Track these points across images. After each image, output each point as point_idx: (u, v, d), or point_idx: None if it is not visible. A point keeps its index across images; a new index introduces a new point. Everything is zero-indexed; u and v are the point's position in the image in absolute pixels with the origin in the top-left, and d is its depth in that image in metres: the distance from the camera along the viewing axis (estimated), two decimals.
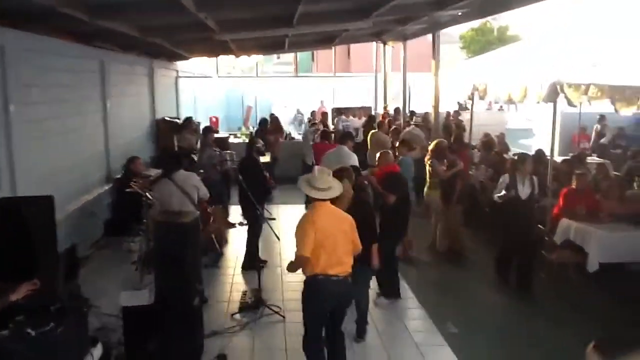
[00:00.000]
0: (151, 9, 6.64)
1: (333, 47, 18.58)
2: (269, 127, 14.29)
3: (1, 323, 3.58)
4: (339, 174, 5.41)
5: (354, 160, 8.19)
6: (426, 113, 15.26)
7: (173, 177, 6.76)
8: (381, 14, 8.52)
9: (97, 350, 3.91)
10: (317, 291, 4.78)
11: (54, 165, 7.76)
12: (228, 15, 7.85)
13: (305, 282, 4.87)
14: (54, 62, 7.79)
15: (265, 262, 8.16)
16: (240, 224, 9.99)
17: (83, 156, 8.95)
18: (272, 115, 16.52)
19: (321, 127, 14.54)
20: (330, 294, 4.78)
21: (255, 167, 8.40)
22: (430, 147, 9.54)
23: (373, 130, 12.57)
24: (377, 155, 7.72)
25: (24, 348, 3.43)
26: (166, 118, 13.92)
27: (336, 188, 4.91)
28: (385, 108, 17.06)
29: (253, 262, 7.83)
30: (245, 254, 8.33)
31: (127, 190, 7.92)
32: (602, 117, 15.62)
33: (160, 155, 12.58)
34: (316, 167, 5.24)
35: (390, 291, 7.13)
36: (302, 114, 21.61)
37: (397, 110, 16.10)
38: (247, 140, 14.86)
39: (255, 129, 15.73)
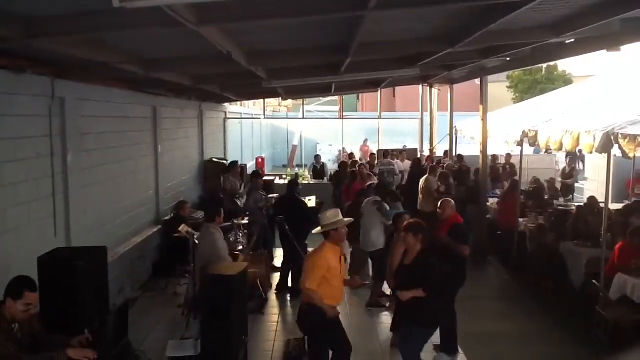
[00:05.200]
0: (203, 61, 6.85)
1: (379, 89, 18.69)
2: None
3: None
4: (412, 227, 5.62)
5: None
6: (459, 156, 15.21)
7: (202, 227, 7.00)
8: (429, 62, 8.54)
9: None
10: None
11: (107, 210, 8.00)
12: (277, 64, 8.03)
13: None
14: (108, 109, 8.10)
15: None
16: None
17: (134, 200, 9.19)
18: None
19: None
20: None
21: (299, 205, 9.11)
22: None
23: (426, 175, 12.05)
24: (439, 204, 7.30)
25: None
26: (214, 159, 14.20)
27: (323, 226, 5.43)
28: (431, 150, 16.95)
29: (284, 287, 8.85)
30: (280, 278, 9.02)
31: (175, 235, 8.14)
32: None
33: (206, 197, 12.82)
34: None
35: (451, 347, 6.85)
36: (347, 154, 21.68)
37: (446, 153, 15.99)
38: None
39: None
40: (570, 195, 14.07)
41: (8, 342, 3.83)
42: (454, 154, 15.01)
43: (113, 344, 4.09)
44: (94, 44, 5.14)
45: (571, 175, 15.29)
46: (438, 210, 7.23)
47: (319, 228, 5.54)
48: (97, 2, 3.48)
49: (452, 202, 7.37)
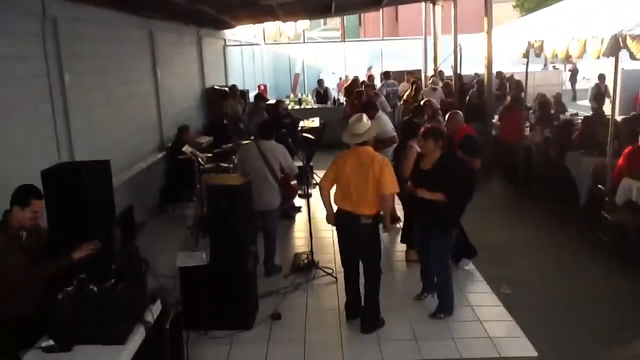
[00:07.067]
0: None
1: (381, 10, 18.18)
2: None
3: (65, 280, 3.71)
4: (432, 133, 5.45)
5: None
6: (439, 72, 14.97)
7: (260, 144, 6.73)
8: None
9: (156, 307, 4.00)
10: (336, 224, 5.48)
11: (110, 135, 7.96)
12: None
13: None
14: (104, 32, 7.94)
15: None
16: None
17: (137, 125, 9.17)
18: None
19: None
20: (340, 227, 5.42)
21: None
22: None
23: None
24: (447, 117, 7.21)
25: (87, 303, 3.55)
26: (215, 87, 14.06)
27: (366, 133, 5.26)
28: (435, 70, 16.67)
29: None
30: None
31: (180, 157, 8.14)
32: None
33: (210, 122, 12.79)
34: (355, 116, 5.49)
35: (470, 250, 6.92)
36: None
37: (440, 73, 15.74)
38: (296, 107, 15.11)
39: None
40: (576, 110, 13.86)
41: (17, 249, 3.89)
42: (458, 72, 14.73)
43: (121, 248, 4.15)
44: None
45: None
46: (446, 124, 7.15)
47: (355, 138, 5.24)
48: None
49: (460, 113, 7.27)
